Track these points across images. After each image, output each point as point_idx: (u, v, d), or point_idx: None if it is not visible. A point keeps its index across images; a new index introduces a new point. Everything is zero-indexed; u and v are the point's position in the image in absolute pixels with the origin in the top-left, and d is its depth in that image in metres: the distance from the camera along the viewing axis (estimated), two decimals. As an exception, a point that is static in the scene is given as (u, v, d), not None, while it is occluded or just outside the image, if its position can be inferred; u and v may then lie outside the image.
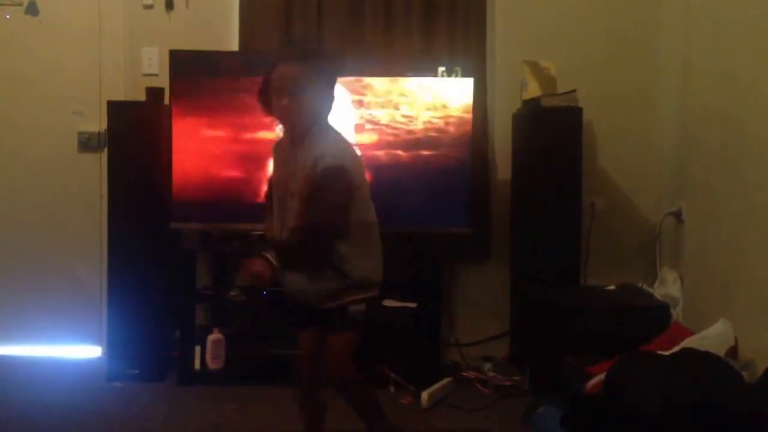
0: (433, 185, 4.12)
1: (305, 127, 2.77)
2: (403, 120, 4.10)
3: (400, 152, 4.10)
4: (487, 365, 4.32)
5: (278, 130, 3.02)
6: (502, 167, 4.61)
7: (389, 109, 4.09)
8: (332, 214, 2.74)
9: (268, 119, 2.92)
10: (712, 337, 3.33)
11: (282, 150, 2.92)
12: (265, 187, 3.31)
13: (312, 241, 2.75)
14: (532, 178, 4.23)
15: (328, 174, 2.70)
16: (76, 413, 3.77)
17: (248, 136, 4.11)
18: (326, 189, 2.71)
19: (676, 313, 3.93)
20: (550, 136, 4.15)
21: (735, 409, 2.61)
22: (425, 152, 4.11)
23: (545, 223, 4.14)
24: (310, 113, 2.77)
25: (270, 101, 2.78)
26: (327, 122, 2.84)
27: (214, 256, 4.52)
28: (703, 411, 2.60)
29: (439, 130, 4.11)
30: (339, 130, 2.88)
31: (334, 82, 2.82)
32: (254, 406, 3.85)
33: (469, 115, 4.13)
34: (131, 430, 3.64)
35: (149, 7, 4.61)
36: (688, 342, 3.28)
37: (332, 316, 2.83)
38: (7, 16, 4.65)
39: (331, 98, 2.82)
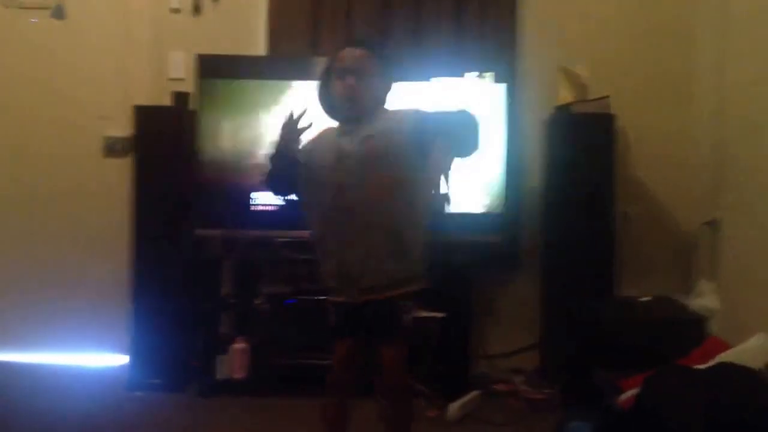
0: (461, 192, 4.04)
1: (367, 107, 2.82)
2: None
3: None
4: (518, 378, 4.25)
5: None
6: (533, 174, 4.53)
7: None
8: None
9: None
10: (749, 351, 3.24)
11: (327, 139, 2.88)
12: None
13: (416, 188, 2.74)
14: (564, 186, 4.17)
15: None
16: (96, 423, 3.75)
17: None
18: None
19: (713, 326, 3.84)
20: (582, 143, 4.10)
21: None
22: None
23: (577, 232, 4.07)
24: (373, 95, 2.83)
25: (329, 92, 2.84)
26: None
27: (238, 263, 4.46)
28: (741, 428, 2.52)
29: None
30: None
31: (392, 73, 2.88)
32: (279, 418, 3.80)
33: (501, 121, 4.08)
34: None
35: (176, 11, 4.60)
36: (725, 356, 3.21)
37: (386, 324, 2.77)
38: (34, 20, 4.66)
39: (389, 88, 2.88)
